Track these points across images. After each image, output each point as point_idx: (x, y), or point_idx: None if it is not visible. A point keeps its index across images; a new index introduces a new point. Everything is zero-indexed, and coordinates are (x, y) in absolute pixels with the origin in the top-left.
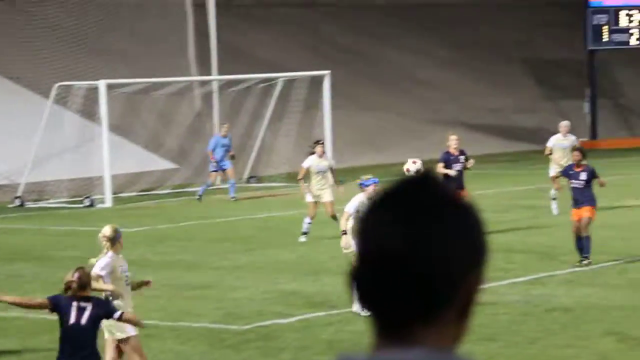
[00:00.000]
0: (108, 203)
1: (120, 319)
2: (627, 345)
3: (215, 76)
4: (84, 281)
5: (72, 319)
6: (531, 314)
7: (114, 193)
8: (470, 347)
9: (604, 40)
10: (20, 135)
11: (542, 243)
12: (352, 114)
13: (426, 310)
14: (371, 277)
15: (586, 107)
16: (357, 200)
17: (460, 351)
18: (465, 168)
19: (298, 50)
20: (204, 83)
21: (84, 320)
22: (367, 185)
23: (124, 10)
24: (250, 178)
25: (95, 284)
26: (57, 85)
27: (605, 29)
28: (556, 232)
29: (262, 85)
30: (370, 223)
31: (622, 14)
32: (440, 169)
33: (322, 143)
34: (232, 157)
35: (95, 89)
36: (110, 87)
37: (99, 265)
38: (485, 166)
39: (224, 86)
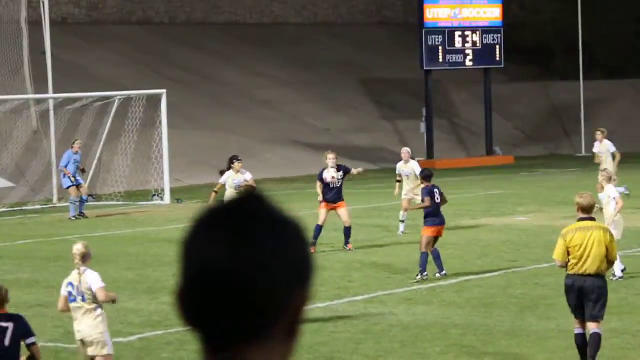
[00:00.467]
0: None
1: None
2: None
3: (51, 94)
4: (3, 297)
5: None
6: (370, 332)
7: None
8: None
9: (439, 60)
10: None
11: (381, 262)
12: (189, 132)
13: (252, 329)
14: (196, 297)
15: (422, 127)
16: None
17: None
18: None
19: (135, 68)
20: (40, 101)
21: (7, 341)
22: None
23: None
24: (88, 197)
25: (110, 295)
26: None
27: (440, 49)
28: (396, 251)
29: (99, 103)
30: (193, 243)
31: (457, 35)
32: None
33: (240, 159)
34: (83, 171)
35: None
36: None
37: (97, 278)
38: None
39: (61, 104)
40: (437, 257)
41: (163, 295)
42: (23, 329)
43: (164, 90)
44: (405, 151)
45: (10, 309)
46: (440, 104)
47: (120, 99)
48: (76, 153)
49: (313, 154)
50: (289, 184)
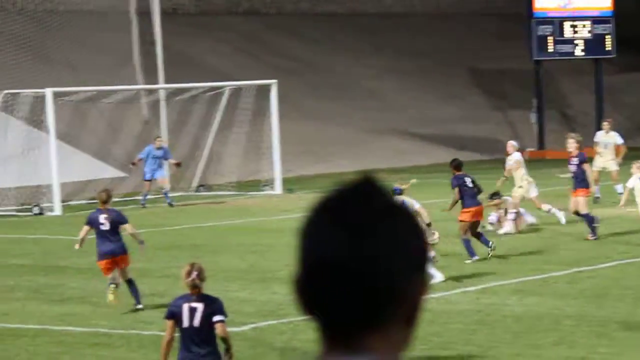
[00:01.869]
0: (57, 211)
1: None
2: (578, 354)
3: (161, 85)
4: (204, 276)
5: (186, 322)
6: (483, 323)
7: (63, 201)
8: (424, 356)
9: (549, 50)
10: None
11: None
12: (298, 123)
13: (372, 316)
14: (316, 286)
15: (533, 117)
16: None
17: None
18: None
19: (244, 59)
20: (151, 92)
21: (196, 321)
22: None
23: (70, 17)
24: (200, 187)
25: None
26: (3, 92)
27: (550, 39)
28: (506, 242)
29: (209, 93)
30: (312, 231)
31: (567, 24)
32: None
33: None
34: (178, 165)
35: (42, 97)
36: (57, 95)
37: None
38: (432, 176)
39: (171, 95)
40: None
41: (275, 285)
42: (212, 308)
43: (275, 81)
44: (510, 144)
45: (121, 297)
46: (551, 94)
47: (230, 90)
48: (158, 149)
49: (420, 144)
50: (395, 174)
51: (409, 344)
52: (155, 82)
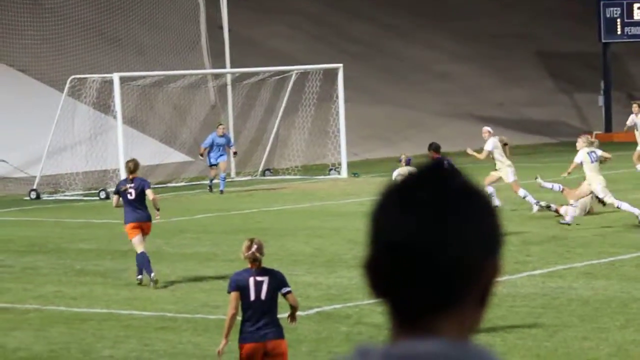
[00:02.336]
0: None
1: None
2: None
3: (228, 69)
4: (263, 251)
5: (252, 295)
6: (549, 307)
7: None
8: (489, 339)
9: (617, 33)
10: (35, 128)
11: (559, 235)
12: (365, 106)
13: (443, 299)
14: (386, 268)
15: (600, 100)
16: None
17: (477, 342)
18: None
19: (311, 43)
20: (217, 76)
21: (263, 294)
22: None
23: (137, 1)
24: (265, 171)
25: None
26: (71, 77)
27: (618, 21)
28: (572, 225)
29: (275, 77)
30: (383, 214)
31: (635, 6)
32: None
33: None
34: (235, 154)
35: (109, 82)
36: (124, 79)
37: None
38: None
39: (238, 79)
40: None
41: (341, 269)
42: (277, 281)
43: (341, 65)
44: (485, 130)
45: (186, 281)
46: (619, 76)
47: (297, 74)
48: (221, 136)
49: (490, 127)
50: (465, 157)
51: (478, 326)
52: (222, 67)
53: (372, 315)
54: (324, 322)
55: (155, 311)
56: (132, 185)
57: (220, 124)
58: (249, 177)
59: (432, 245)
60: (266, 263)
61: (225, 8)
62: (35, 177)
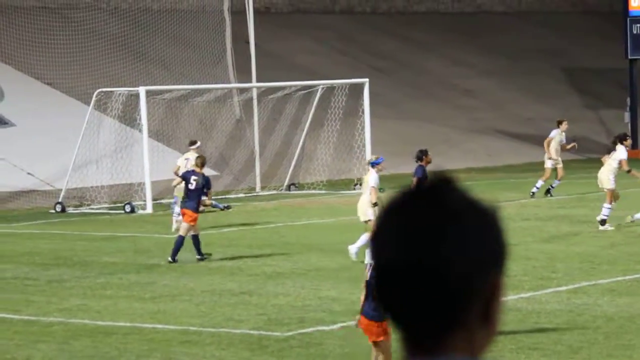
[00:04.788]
0: (149, 209)
1: None
2: None
3: (254, 83)
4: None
5: None
6: (574, 323)
7: (155, 199)
8: (513, 356)
9: None
10: (61, 141)
11: (584, 252)
12: (390, 122)
13: (448, 317)
14: (390, 288)
15: (627, 116)
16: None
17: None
18: None
19: (337, 58)
20: (243, 90)
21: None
22: (377, 163)
23: (163, 16)
24: (290, 185)
25: None
26: (97, 91)
27: None
28: (597, 241)
29: (301, 92)
30: (384, 233)
31: None
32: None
33: None
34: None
35: (135, 95)
36: (150, 93)
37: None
38: (525, 175)
39: (264, 93)
40: None
41: None
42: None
43: (367, 79)
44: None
45: (211, 295)
46: None
47: (323, 88)
48: None
49: (515, 143)
50: (489, 173)
51: (490, 343)
52: (248, 81)
53: (394, 331)
54: (348, 337)
55: (180, 325)
56: (196, 177)
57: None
58: (274, 192)
59: (432, 264)
60: (290, 278)
61: (252, 22)
62: (61, 190)
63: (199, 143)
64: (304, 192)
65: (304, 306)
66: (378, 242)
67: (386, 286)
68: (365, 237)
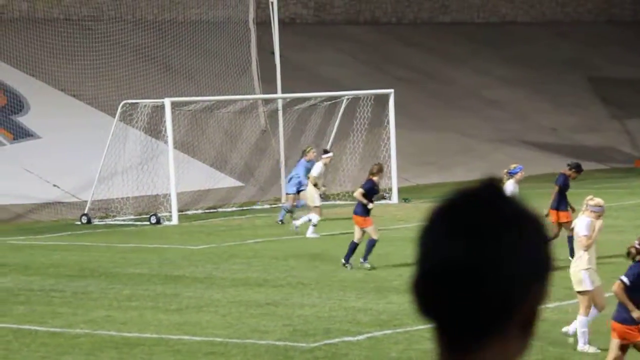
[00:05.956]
0: (174, 220)
1: None
2: None
3: (279, 94)
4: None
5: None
6: (600, 333)
7: (180, 210)
8: None
9: None
10: (87, 152)
11: (612, 262)
12: (415, 132)
13: (487, 324)
14: (432, 291)
15: None
16: (509, 187)
17: None
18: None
19: (361, 68)
20: (268, 101)
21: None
22: (515, 173)
23: (188, 27)
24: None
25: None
26: (122, 102)
27: None
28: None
29: (326, 103)
30: (431, 235)
31: None
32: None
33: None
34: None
35: (160, 107)
36: (175, 104)
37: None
38: (550, 185)
39: (289, 104)
40: None
41: (391, 295)
42: None
43: (392, 90)
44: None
45: (237, 307)
46: None
47: (348, 99)
48: (309, 161)
49: (541, 153)
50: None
51: (525, 353)
52: (273, 92)
53: (421, 342)
54: (374, 347)
55: (206, 336)
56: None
57: (310, 148)
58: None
59: (477, 268)
60: (315, 289)
61: (277, 33)
62: (86, 201)
63: (331, 153)
64: (329, 202)
65: (330, 317)
66: (424, 243)
67: (428, 288)
68: None
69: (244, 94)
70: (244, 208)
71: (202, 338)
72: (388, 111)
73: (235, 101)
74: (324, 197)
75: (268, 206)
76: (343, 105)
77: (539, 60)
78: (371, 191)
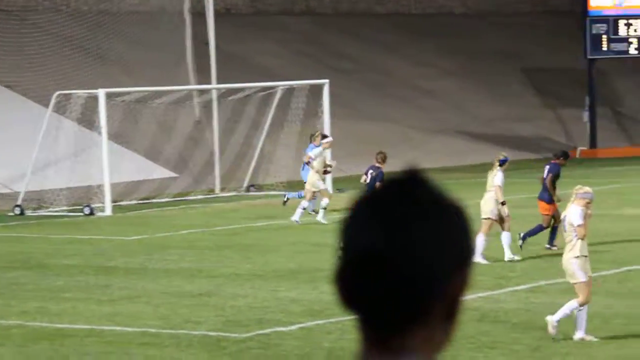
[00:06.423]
0: (108, 211)
1: None
2: (628, 353)
3: (214, 85)
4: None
5: None
6: (532, 322)
7: (114, 201)
8: (472, 355)
9: (603, 49)
10: (20, 143)
11: (544, 252)
12: (351, 122)
13: (410, 313)
14: (354, 280)
15: (585, 115)
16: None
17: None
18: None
19: (297, 59)
20: (203, 92)
21: None
22: (504, 162)
23: (123, 18)
24: (250, 187)
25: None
26: (56, 93)
27: (604, 38)
28: (556, 241)
29: (261, 93)
30: (353, 225)
31: (621, 23)
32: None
33: None
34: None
35: (94, 98)
36: (109, 95)
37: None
38: (483, 175)
39: (223, 95)
40: None
41: (323, 285)
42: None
43: (327, 80)
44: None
45: (170, 297)
46: (604, 92)
47: (282, 89)
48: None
49: (475, 143)
50: (450, 173)
51: (449, 341)
52: (208, 83)
53: (353, 331)
54: (306, 337)
55: (138, 327)
56: (372, 172)
57: (319, 132)
58: (233, 193)
59: (398, 257)
60: (249, 279)
61: (212, 24)
62: (19, 192)
63: (330, 138)
64: (263, 193)
65: (263, 307)
66: (346, 232)
67: (350, 276)
68: (507, 236)
69: (178, 85)
70: (178, 199)
71: (134, 329)
72: (323, 101)
73: (169, 92)
74: (257, 188)
75: (202, 197)
76: (277, 96)
77: (475, 51)
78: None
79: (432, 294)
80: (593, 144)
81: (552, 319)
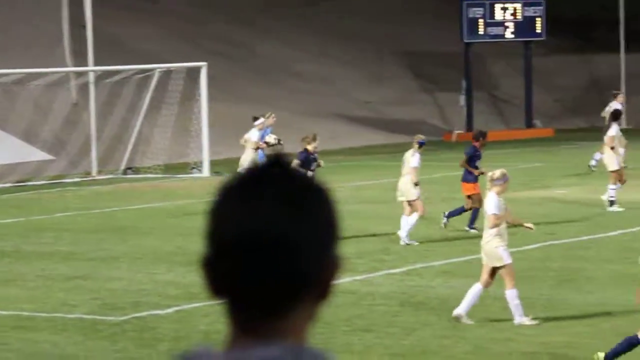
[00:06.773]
0: None
1: None
2: (503, 335)
3: (91, 67)
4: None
5: None
6: (407, 305)
7: None
8: (347, 338)
9: (479, 33)
10: None
11: (418, 234)
12: (229, 105)
13: (283, 297)
14: (223, 266)
15: (462, 99)
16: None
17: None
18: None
19: (175, 42)
20: (80, 74)
21: None
22: (424, 144)
23: None
24: (127, 169)
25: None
26: None
27: (480, 22)
28: (432, 224)
29: (138, 76)
30: (223, 209)
31: (498, 7)
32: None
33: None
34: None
35: None
36: None
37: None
38: (363, 158)
39: (101, 77)
40: None
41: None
42: None
43: (204, 63)
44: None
45: (45, 280)
46: (480, 76)
47: (160, 72)
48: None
49: (353, 126)
50: (328, 157)
51: (315, 319)
52: (85, 65)
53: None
54: (183, 320)
55: (13, 310)
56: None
57: (270, 114)
58: (110, 176)
59: (271, 241)
60: (125, 262)
61: (89, 6)
62: None
63: (262, 119)
64: (140, 176)
65: (139, 290)
66: (214, 219)
67: (219, 262)
68: (414, 218)
69: (55, 67)
70: (55, 182)
71: (9, 312)
72: (200, 84)
73: (46, 74)
74: (134, 170)
75: (78, 179)
76: (155, 79)
77: (352, 33)
78: (307, 161)
79: (304, 278)
80: (470, 127)
81: (458, 312)
